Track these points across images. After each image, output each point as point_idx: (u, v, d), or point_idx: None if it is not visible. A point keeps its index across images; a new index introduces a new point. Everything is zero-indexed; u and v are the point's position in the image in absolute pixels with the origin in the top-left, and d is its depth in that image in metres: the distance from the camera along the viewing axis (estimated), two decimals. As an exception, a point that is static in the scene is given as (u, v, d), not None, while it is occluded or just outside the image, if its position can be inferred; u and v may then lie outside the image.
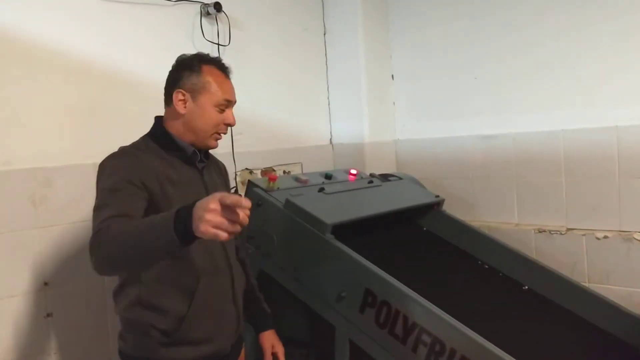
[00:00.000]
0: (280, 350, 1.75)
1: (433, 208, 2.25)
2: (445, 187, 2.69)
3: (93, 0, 1.98)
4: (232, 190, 2.18)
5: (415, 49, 2.88)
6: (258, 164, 2.56)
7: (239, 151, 2.43)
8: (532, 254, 2.33)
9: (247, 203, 1.07)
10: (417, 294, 1.56)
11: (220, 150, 2.34)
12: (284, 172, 2.68)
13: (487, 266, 2.12)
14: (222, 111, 1.54)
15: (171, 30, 2.24)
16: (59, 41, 1.88)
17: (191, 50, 2.25)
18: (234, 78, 2.36)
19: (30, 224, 1.78)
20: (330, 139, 3.01)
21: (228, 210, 1.06)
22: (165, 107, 1.56)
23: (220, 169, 1.75)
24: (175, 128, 1.54)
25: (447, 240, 2.22)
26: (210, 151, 1.63)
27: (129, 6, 2.08)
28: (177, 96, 1.50)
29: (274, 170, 2.63)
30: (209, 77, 1.52)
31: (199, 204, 1.09)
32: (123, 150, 1.48)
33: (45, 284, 1.81)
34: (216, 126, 1.54)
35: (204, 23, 2.34)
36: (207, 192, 1.54)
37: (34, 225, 1.79)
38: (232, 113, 1.57)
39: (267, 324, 1.77)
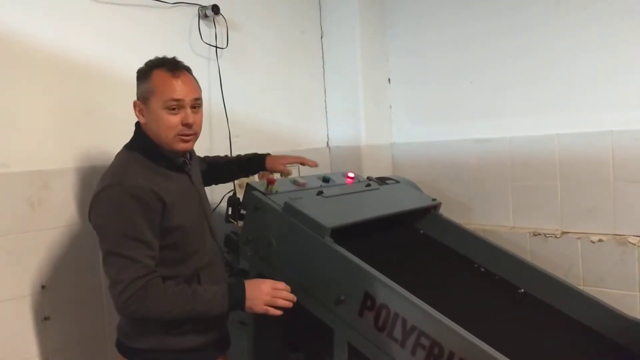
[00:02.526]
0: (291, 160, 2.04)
1: (430, 211, 2.26)
2: (441, 190, 2.70)
3: (91, 2, 1.97)
4: (230, 194, 2.18)
5: (412, 53, 2.89)
6: None
7: (236, 153, 2.39)
8: (527, 257, 2.33)
9: (293, 296, 1.60)
10: (415, 297, 1.57)
11: (218, 153, 2.37)
12: (281, 175, 2.66)
13: (483, 269, 2.12)
14: (174, 112, 1.51)
15: (169, 33, 2.24)
16: (56, 43, 1.88)
17: (189, 53, 2.31)
18: (232, 80, 2.43)
19: (28, 227, 1.78)
20: (327, 142, 3.02)
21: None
22: None
23: (197, 163, 1.80)
24: (152, 138, 1.55)
25: (443, 243, 2.21)
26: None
27: (127, 8, 2.08)
28: (135, 108, 1.54)
29: (271, 173, 2.61)
30: (156, 80, 1.51)
31: (253, 288, 1.53)
32: (124, 191, 1.43)
33: (43, 287, 1.81)
34: (173, 128, 1.52)
35: (202, 25, 2.34)
36: (199, 195, 1.66)
37: (31, 228, 1.79)
38: (189, 112, 1.53)
39: (258, 157, 2.04)
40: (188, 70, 1.59)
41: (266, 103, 2.67)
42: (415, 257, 2.08)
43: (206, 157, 2.09)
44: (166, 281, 1.48)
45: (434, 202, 2.24)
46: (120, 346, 1.60)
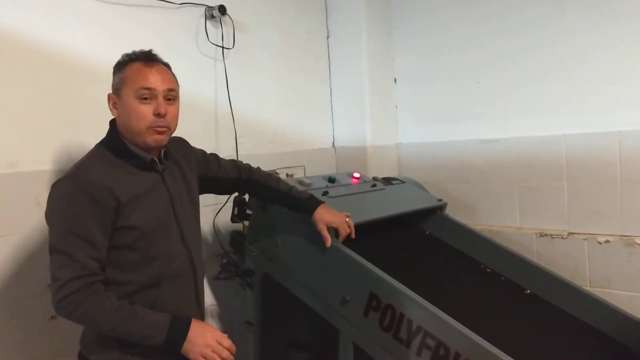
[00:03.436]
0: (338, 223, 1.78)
1: (436, 212, 2.25)
2: (447, 190, 2.69)
3: (96, 2, 1.98)
4: (236, 194, 2.17)
5: (418, 53, 2.88)
6: (261, 167, 2.52)
7: (241, 154, 2.42)
8: (534, 258, 2.33)
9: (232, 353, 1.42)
10: (421, 298, 1.57)
11: (225, 153, 2.33)
12: (287, 175, 2.68)
13: (489, 270, 2.11)
14: (146, 102, 1.43)
15: (175, 33, 2.24)
16: (62, 43, 1.88)
17: (195, 53, 2.31)
18: (238, 80, 2.42)
19: (35, 226, 1.78)
20: (333, 142, 3.01)
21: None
22: None
23: (179, 161, 1.63)
24: (123, 134, 1.49)
25: (449, 244, 2.21)
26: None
27: (133, 8, 2.08)
28: (109, 101, 1.48)
29: (277, 173, 2.57)
30: (129, 70, 1.45)
31: (197, 332, 1.38)
32: (75, 185, 1.36)
33: (49, 286, 1.76)
34: (145, 119, 1.43)
35: (209, 26, 2.34)
36: (170, 197, 1.53)
37: (38, 227, 1.77)
38: (162, 102, 1.44)
39: (311, 204, 1.79)
40: (165, 64, 1.53)
41: (272, 103, 2.66)
42: (420, 258, 2.08)
43: (240, 164, 1.91)
44: (116, 287, 1.39)
45: (440, 203, 2.24)
46: (81, 358, 1.52)
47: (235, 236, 2.22)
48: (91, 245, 1.35)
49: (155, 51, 1.55)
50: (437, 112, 2.82)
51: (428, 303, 1.55)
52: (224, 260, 2.26)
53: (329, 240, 1.75)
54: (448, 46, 2.75)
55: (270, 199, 1.91)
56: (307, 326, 1.94)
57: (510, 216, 2.55)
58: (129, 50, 1.52)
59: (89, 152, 1.49)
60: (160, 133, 1.46)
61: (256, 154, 2.52)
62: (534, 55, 2.45)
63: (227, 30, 2.41)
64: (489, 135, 2.60)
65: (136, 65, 1.46)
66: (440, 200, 2.26)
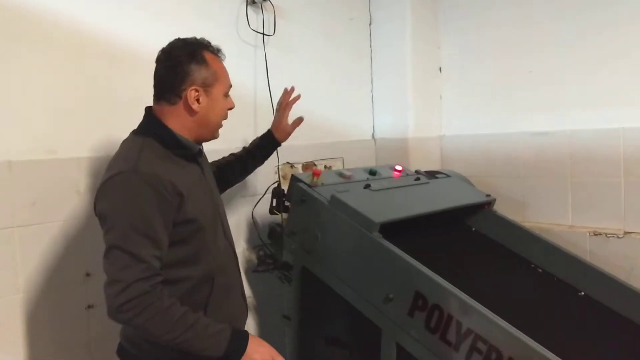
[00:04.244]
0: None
1: (483, 208, 2.15)
2: (493, 185, 2.57)
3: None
4: (275, 185, 2.14)
5: (465, 40, 2.76)
6: (299, 158, 2.51)
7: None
8: (586, 258, 2.19)
9: None
10: (471, 299, 1.48)
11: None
12: (325, 167, 2.63)
13: (540, 270, 2.01)
14: (227, 98, 1.53)
15: (216, 18, 2.19)
16: (103, 29, 1.85)
17: (235, 39, 2.26)
18: (278, 68, 2.37)
19: (74, 214, 1.77)
20: (373, 134, 2.94)
21: None
22: (163, 105, 1.45)
23: (205, 158, 1.67)
24: (178, 125, 1.44)
25: (497, 242, 2.11)
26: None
27: (175, -6, 2.05)
28: (192, 94, 1.42)
29: (315, 165, 2.57)
30: (215, 66, 1.47)
31: (254, 348, 1.38)
32: (139, 179, 1.30)
33: (88, 274, 1.80)
34: (225, 115, 1.54)
35: (250, 12, 2.29)
36: (211, 189, 1.55)
37: (77, 215, 1.78)
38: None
39: (264, 137, 1.97)
40: None
41: (311, 92, 2.52)
42: (467, 256, 2.00)
43: (214, 162, 1.92)
44: (171, 286, 1.33)
45: (488, 198, 2.14)
46: (124, 354, 1.49)
47: (274, 228, 2.18)
48: (155, 244, 1.29)
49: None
50: (484, 103, 2.70)
51: (479, 305, 1.46)
52: (262, 253, 2.23)
53: (301, 119, 2.03)
54: (498, 32, 2.62)
55: (241, 165, 1.94)
56: (347, 323, 1.87)
57: (562, 213, 2.43)
58: (170, 38, 1.50)
59: (131, 144, 1.42)
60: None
61: (294, 145, 2.42)
62: (593, 41, 2.30)
63: (268, 16, 2.35)
64: (541, 128, 2.48)
65: (218, 59, 1.49)
66: (488, 195, 2.15)
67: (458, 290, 1.50)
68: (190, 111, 1.44)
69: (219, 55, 1.51)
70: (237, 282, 1.60)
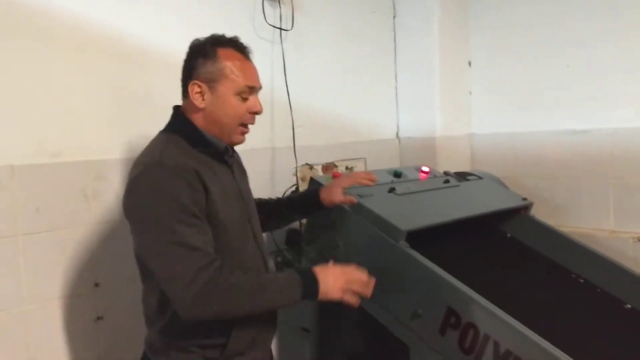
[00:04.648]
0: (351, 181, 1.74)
1: (519, 212, 2.00)
2: (528, 187, 2.47)
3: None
4: (293, 189, 2.02)
5: (497, 31, 2.65)
6: (319, 159, 2.41)
7: (298, 145, 2.27)
8: (631, 266, 2.01)
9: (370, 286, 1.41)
10: (510, 317, 1.34)
11: (280, 144, 2.24)
12: (347, 168, 2.53)
13: (582, 280, 1.85)
14: (244, 99, 1.37)
15: (232, 13, 2.10)
16: (111, 24, 1.76)
17: (251, 35, 2.14)
18: (296, 65, 2.26)
19: (82, 220, 1.69)
20: (397, 133, 2.84)
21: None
22: (183, 100, 1.42)
23: (238, 161, 1.58)
24: (198, 122, 1.38)
25: (535, 249, 1.96)
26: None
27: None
28: (193, 88, 1.35)
29: (336, 166, 2.47)
30: (227, 61, 1.35)
31: (326, 272, 1.35)
32: (165, 171, 1.25)
33: (96, 284, 1.72)
34: (241, 117, 1.38)
35: (266, 5, 2.18)
36: (240, 191, 1.44)
37: (86, 221, 1.70)
38: (258, 99, 1.41)
39: (312, 191, 1.75)
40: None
41: (331, 89, 2.50)
42: (503, 265, 1.85)
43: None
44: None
45: (525, 202, 1.99)
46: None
47: (292, 234, 2.07)
48: (201, 229, 1.25)
49: (212, 32, 1.41)
50: (517, 99, 2.59)
51: (518, 323, 1.32)
52: (279, 259, 2.11)
53: (366, 180, 1.73)
54: (532, 23, 2.50)
55: (277, 213, 1.72)
56: (371, 339, 1.75)
57: (604, 218, 2.31)
58: (193, 33, 1.41)
59: (157, 140, 1.38)
60: (245, 133, 1.42)
61: (314, 145, 2.39)
62: (637, 32, 2.16)
63: (286, 11, 2.25)
64: (580, 126, 2.37)
65: (235, 56, 1.37)
66: (525, 199, 2.00)
67: (496, 308, 1.36)
68: (195, 107, 1.37)
69: (244, 52, 1.39)
70: None
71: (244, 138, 1.43)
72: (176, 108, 1.43)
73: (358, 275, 1.38)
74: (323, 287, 1.32)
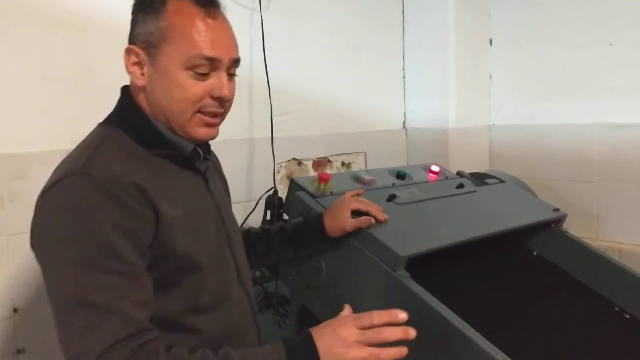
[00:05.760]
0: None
1: (549, 226, 1.68)
2: (557, 191, 2.23)
3: None
4: (270, 192, 1.70)
5: (523, 4, 2.37)
6: (309, 153, 2.16)
7: (282, 136, 1.98)
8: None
9: (402, 315, 0.95)
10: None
11: (261, 134, 1.94)
12: (342, 163, 2.28)
13: (628, 315, 1.52)
14: (201, 76, 0.97)
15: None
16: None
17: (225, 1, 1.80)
18: (280, 39, 1.96)
19: (-4, 230, 1.41)
20: (404, 122, 2.60)
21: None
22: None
23: (216, 164, 1.25)
24: (145, 108, 1.01)
25: (568, 272, 1.63)
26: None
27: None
28: (129, 57, 0.99)
29: (329, 162, 2.21)
30: (175, 18, 0.96)
31: (327, 339, 0.92)
32: (87, 183, 0.89)
33: (15, 310, 1.46)
34: (195, 103, 0.98)
35: (243, -35, 1.87)
36: (219, 211, 1.08)
37: (1, 232, 1.43)
38: (225, 80, 1.00)
39: (315, 218, 1.36)
40: (224, 10, 1.04)
41: (325, 71, 2.23)
42: (528, 293, 1.54)
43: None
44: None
45: (557, 214, 1.66)
46: None
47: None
48: (130, 278, 0.88)
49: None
50: (547, 85, 2.33)
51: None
52: (258, 274, 1.79)
53: (381, 213, 1.35)
54: None
55: (263, 245, 1.36)
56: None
57: None
58: None
59: (92, 136, 1.01)
60: (212, 125, 1.02)
61: (302, 136, 2.14)
62: None
63: (271, -29, 1.96)
64: (623, 119, 2.08)
65: (189, 11, 0.97)
66: (557, 209, 1.67)
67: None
68: (136, 86, 1.02)
69: (206, 6, 0.98)
70: (247, 307, 1.14)
71: (211, 131, 1.04)
72: (124, 90, 1.07)
73: (382, 332, 0.95)
74: None
